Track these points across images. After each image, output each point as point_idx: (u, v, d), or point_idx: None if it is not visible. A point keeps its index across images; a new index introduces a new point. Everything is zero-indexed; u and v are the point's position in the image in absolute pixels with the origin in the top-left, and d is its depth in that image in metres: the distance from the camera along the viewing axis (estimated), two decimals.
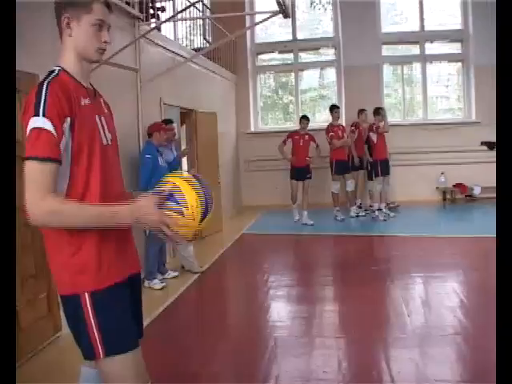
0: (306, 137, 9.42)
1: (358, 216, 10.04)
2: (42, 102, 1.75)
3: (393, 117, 11.58)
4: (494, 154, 10.93)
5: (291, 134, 9.51)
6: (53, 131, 1.74)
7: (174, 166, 6.49)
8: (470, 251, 7.12)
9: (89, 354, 1.90)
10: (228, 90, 11.53)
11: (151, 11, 7.54)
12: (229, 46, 10.87)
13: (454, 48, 12.12)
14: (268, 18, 7.05)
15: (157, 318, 4.83)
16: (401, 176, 10.67)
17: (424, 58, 12.04)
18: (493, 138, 11.04)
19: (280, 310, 5.23)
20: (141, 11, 6.61)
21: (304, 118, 9.56)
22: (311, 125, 9.97)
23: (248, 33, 11.98)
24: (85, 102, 1.91)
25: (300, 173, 9.33)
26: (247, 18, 11.52)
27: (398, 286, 5.63)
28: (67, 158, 1.82)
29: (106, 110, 2.11)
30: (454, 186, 11.31)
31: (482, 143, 11.27)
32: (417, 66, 12.20)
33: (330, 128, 9.75)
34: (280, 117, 12.93)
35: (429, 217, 10.21)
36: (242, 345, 4.26)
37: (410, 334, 4.22)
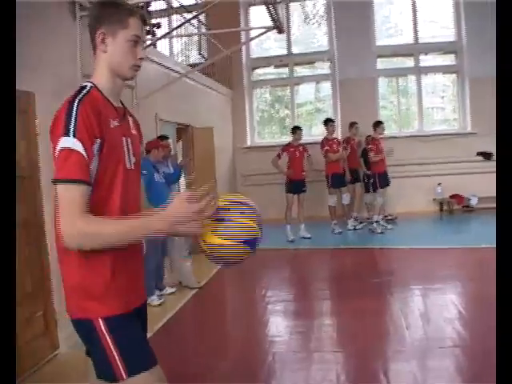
0: (301, 148, 9.41)
1: (355, 229, 10.03)
2: (73, 121, 1.69)
3: (389, 129, 11.61)
4: (490, 164, 11.01)
5: (286, 148, 9.45)
6: (83, 153, 1.69)
7: (174, 180, 6.54)
8: (468, 262, 7.12)
9: (109, 376, 1.83)
10: (224, 105, 11.59)
11: (147, 28, 7.59)
12: (224, 61, 10.92)
13: (449, 60, 12.22)
14: (262, 33, 7.14)
15: (155, 333, 4.80)
16: (398, 188, 10.61)
17: (419, 70, 12.13)
18: (488, 149, 11.14)
19: (278, 325, 5.23)
20: None
21: (298, 129, 9.54)
22: (308, 138, 10.01)
23: (243, 48, 12.06)
24: (114, 123, 1.86)
25: (296, 186, 9.29)
26: (242, 33, 11.62)
27: (397, 298, 5.62)
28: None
29: (133, 131, 2.04)
30: (450, 196, 11.34)
31: (478, 153, 11.33)
32: (412, 78, 12.28)
33: (325, 142, 9.68)
34: (276, 131, 12.97)
35: (426, 228, 10.21)
36: (240, 360, 4.25)
37: (409, 346, 4.21)
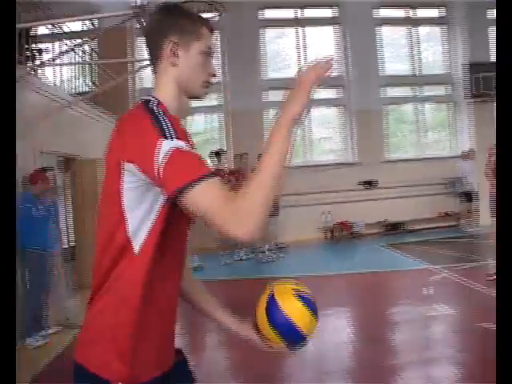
0: None
1: (241, 260, 9.91)
2: (164, 123, 1.44)
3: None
4: (373, 192, 11.62)
5: None
6: (190, 149, 1.44)
7: (53, 215, 6.23)
8: (355, 287, 7.37)
9: None
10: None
11: (35, 53, 7.27)
12: (115, 90, 10.68)
13: (337, 93, 12.82)
14: (148, 65, 7.06)
15: (33, 379, 4.49)
16: (288, 217, 10.80)
17: (307, 103, 12.57)
18: (373, 177, 11.75)
19: None
20: (19, 54, 6.34)
21: None
22: None
23: (137, 77, 11.91)
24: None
25: None
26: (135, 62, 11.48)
27: None
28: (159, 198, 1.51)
29: None
30: (337, 223, 11.74)
31: (361, 182, 11.88)
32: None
33: (216, 173, 9.63)
34: None
35: (316, 256, 10.46)
36: None
37: (299, 373, 4.25)
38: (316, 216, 11.67)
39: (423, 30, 13.67)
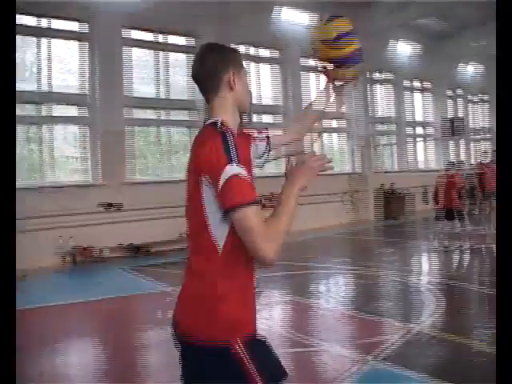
0: None
1: None
2: (231, 150, 1.84)
3: (26, 179, 11.08)
4: (119, 214, 11.39)
5: None
6: (247, 176, 1.85)
7: None
8: (97, 314, 7.17)
9: None
10: None
11: None
12: None
13: (79, 112, 12.34)
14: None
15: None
16: (26, 242, 9.65)
17: (52, 120, 11.87)
18: (117, 199, 11.54)
19: None
20: None
21: None
22: None
23: None
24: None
25: None
26: None
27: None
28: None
29: None
30: (78, 247, 11.19)
31: (100, 204, 11.56)
32: (44, 127, 11.89)
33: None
34: None
35: (57, 283, 9.80)
36: None
37: None
38: (54, 241, 10.88)
39: (173, 56, 14.02)
